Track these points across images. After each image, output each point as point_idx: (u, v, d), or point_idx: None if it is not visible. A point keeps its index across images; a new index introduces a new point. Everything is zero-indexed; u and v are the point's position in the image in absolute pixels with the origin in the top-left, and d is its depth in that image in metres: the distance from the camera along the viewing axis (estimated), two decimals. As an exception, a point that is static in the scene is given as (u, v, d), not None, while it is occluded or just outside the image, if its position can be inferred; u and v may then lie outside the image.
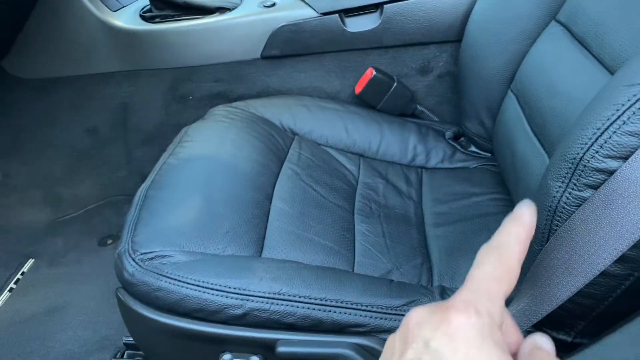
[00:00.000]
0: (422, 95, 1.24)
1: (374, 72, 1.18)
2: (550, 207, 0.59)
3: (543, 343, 0.39)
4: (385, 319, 0.72)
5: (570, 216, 0.57)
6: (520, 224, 0.39)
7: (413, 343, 0.32)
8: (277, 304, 0.71)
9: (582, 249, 0.56)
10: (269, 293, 0.72)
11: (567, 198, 0.57)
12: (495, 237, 0.38)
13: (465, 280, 0.35)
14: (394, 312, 0.72)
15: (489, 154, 1.13)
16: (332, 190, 0.98)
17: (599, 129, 0.53)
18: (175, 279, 0.73)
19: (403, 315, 0.72)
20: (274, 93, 1.27)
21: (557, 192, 0.58)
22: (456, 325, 0.31)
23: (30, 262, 1.29)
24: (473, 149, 1.14)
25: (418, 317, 0.33)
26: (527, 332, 0.68)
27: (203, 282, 0.73)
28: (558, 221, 0.59)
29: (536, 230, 0.64)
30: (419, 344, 0.31)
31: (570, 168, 0.56)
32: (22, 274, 1.27)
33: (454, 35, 1.16)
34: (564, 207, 0.57)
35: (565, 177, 0.57)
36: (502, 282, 0.35)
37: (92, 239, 1.34)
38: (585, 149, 0.54)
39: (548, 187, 0.59)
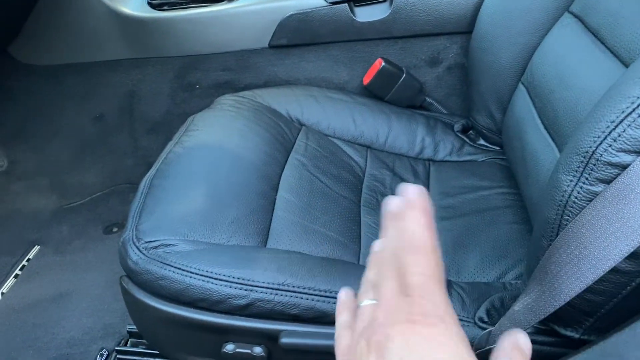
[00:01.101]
0: (430, 87, 1.22)
1: (383, 63, 1.16)
2: (560, 201, 0.58)
3: (524, 344, 0.39)
4: (390, 312, 0.71)
5: (580, 211, 0.56)
6: (416, 209, 0.37)
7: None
8: (282, 295, 0.71)
9: (592, 245, 0.55)
10: (273, 284, 0.71)
11: (578, 192, 0.56)
12: (402, 232, 0.37)
13: (406, 289, 0.35)
14: (399, 305, 0.71)
15: (498, 148, 1.12)
16: (339, 182, 0.98)
17: (612, 122, 0.52)
18: (179, 268, 0.73)
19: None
20: (282, 83, 1.26)
21: (568, 186, 0.57)
22: (429, 337, 0.32)
23: (36, 248, 1.30)
24: (481, 142, 1.13)
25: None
26: (534, 328, 0.67)
27: (207, 271, 0.72)
28: (568, 216, 0.57)
29: (545, 225, 0.63)
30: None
31: (582, 162, 0.55)
32: (28, 260, 1.27)
33: (464, 27, 1.14)
34: (574, 202, 0.56)
35: (576, 170, 0.56)
36: (438, 277, 0.35)
37: (97, 227, 1.34)
38: (598, 142, 0.53)
39: (559, 181, 0.58)
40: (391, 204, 0.39)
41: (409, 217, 0.37)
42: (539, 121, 0.87)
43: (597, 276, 0.55)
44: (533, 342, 0.68)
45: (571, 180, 0.56)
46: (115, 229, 1.33)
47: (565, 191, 0.57)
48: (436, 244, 0.36)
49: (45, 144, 1.40)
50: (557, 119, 0.80)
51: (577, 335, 0.66)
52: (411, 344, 0.32)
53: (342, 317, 0.42)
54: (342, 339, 0.39)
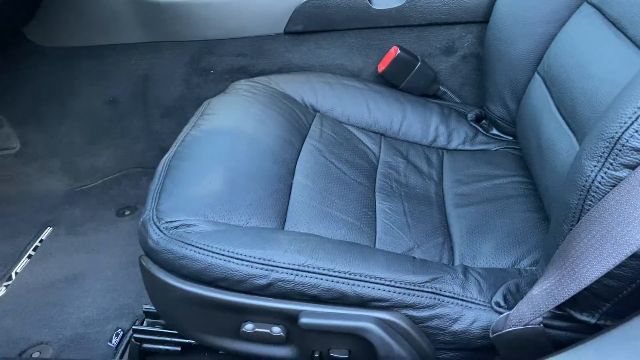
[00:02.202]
0: (445, 75, 1.23)
1: (399, 51, 1.17)
2: (583, 186, 0.59)
3: None
4: (409, 295, 0.72)
5: (604, 196, 0.57)
6: None
7: None
8: (302, 276, 0.72)
9: (614, 230, 0.56)
10: (293, 264, 0.72)
11: (602, 177, 0.57)
12: None
13: None
14: (417, 288, 0.72)
15: (511, 137, 1.12)
16: (354, 168, 0.98)
17: (639, 107, 0.53)
18: (200, 248, 0.74)
19: (426, 291, 0.72)
20: (296, 69, 1.27)
21: (592, 171, 0.57)
22: None
23: (49, 230, 1.31)
24: (495, 131, 1.14)
25: None
26: (550, 313, 0.68)
27: (228, 251, 0.73)
28: (591, 201, 0.58)
29: (567, 210, 0.64)
30: None
31: (607, 147, 0.56)
32: (41, 241, 1.28)
33: (480, 16, 1.14)
34: (598, 187, 0.57)
35: (601, 156, 0.56)
36: None
37: (109, 210, 1.35)
38: (624, 128, 0.54)
39: (582, 167, 0.59)
40: None
41: None
42: (556, 110, 0.88)
43: (619, 261, 0.56)
44: (549, 326, 0.69)
45: (595, 166, 0.57)
46: (127, 212, 1.34)
47: (589, 176, 0.58)
48: None
49: (58, 126, 1.41)
50: (575, 108, 0.81)
51: (593, 321, 0.67)
52: None
53: None
54: None
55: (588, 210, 0.59)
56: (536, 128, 0.93)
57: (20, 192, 1.39)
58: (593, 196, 0.58)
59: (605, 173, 0.56)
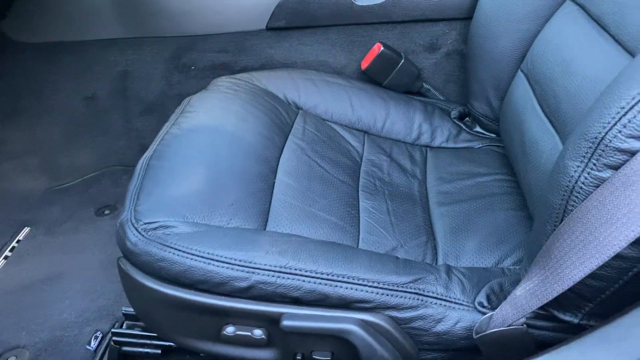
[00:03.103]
0: (428, 73, 1.22)
1: (382, 48, 1.16)
2: (567, 187, 0.58)
3: None
4: (392, 296, 0.71)
5: (587, 197, 0.57)
6: None
7: None
8: (283, 278, 0.71)
9: (597, 231, 0.55)
10: (275, 266, 0.71)
11: (586, 178, 0.56)
12: None
13: None
14: (400, 288, 0.72)
15: (494, 135, 1.12)
16: (337, 166, 0.97)
17: (622, 108, 0.52)
18: (179, 250, 0.72)
19: (409, 292, 0.72)
20: (279, 66, 1.25)
21: (576, 171, 0.57)
22: None
23: (26, 230, 1.28)
24: (478, 129, 1.13)
25: None
26: (534, 313, 0.68)
27: (208, 253, 0.72)
28: (574, 201, 0.58)
29: (550, 211, 0.63)
30: None
31: (590, 147, 0.55)
32: (18, 242, 1.25)
33: (464, 13, 1.14)
34: (581, 187, 0.57)
35: (584, 156, 0.56)
36: None
37: (89, 209, 1.32)
38: (607, 128, 0.53)
39: (566, 167, 0.58)
40: None
41: None
42: (539, 108, 0.88)
43: (602, 262, 0.55)
44: (532, 326, 0.69)
45: (578, 166, 0.57)
46: (107, 211, 1.32)
47: (572, 177, 0.57)
48: None
49: (36, 124, 1.38)
50: (558, 107, 0.81)
51: (576, 321, 0.67)
52: None
53: None
54: None
55: (571, 210, 0.59)
56: (519, 126, 0.93)
57: (-4, 191, 1.36)
58: (576, 197, 0.58)
59: (588, 174, 0.55)
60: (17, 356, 0.99)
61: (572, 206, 0.58)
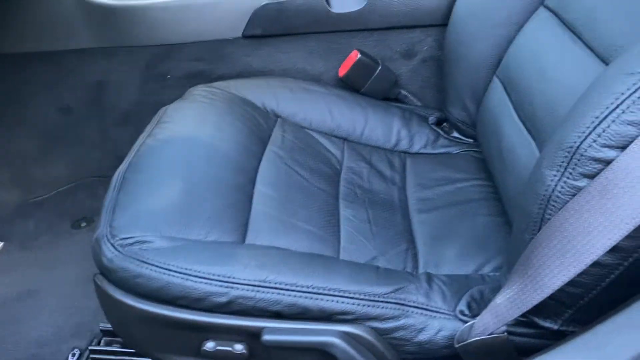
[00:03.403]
0: (406, 79, 1.22)
1: (359, 55, 1.16)
2: (544, 196, 0.58)
3: None
4: (373, 307, 0.71)
5: (564, 205, 0.57)
6: None
7: None
8: (263, 292, 0.70)
9: (575, 239, 0.56)
10: (254, 281, 0.70)
11: (562, 187, 0.56)
12: None
13: None
14: (381, 299, 0.71)
15: (472, 140, 1.12)
16: (317, 175, 0.97)
17: (597, 117, 0.53)
18: (157, 266, 0.71)
19: (390, 302, 0.71)
20: (256, 74, 1.24)
21: (552, 180, 0.57)
22: None
23: (0, 244, 1.25)
24: (456, 134, 1.14)
25: None
26: (515, 320, 0.68)
27: (186, 269, 0.71)
28: (552, 210, 0.58)
29: (528, 219, 0.64)
30: None
31: (566, 157, 0.55)
32: (-8, 257, 1.22)
33: (439, 19, 1.14)
34: (558, 196, 0.57)
35: (560, 165, 0.56)
36: None
37: (65, 222, 1.30)
38: (582, 138, 0.53)
39: (542, 176, 0.59)
40: None
41: None
42: (515, 115, 0.88)
43: (580, 269, 0.56)
44: (512, 334, 0.69)
45: (555, 175, 0.57)
46: (83, 224, 1.29)
47: (549, 186, 0.58)
48: None
49: (8, 135, 1.35)
50: (534, 113, 0.81)
51: (556, 327, 0.67)
52: None
53: None
54: None
55: (549, 219, 0.59)
56: (496, 132, 0.93)
57: (-32, 206, 1.32)
58: (553, 205, 0.58)
59: (565, 183, 0.56)
60: (-8, 376, 0.97)
61: (550, 215, 0.59)
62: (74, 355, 0.96)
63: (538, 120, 0.80)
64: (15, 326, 1.06)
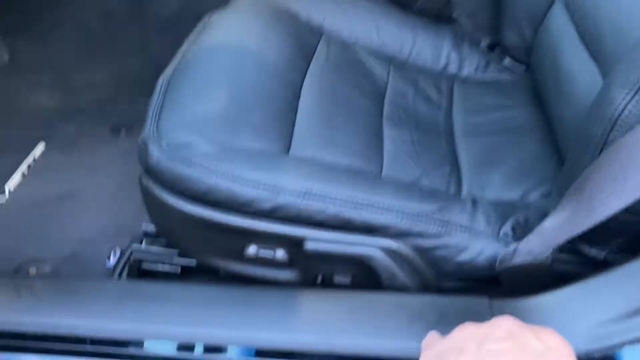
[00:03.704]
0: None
1: (413, -31, 1.10)
2: (611, 116, 0.56)
3: None
4: (416, 223, 0.70)
5: (632, 128, 0.54)
6: None
7: None
8: (308, 201, 0.70)
9: (639, 163, 0.54)
10: (300, 189, 0.70)
11: (633, 107, 0.54)
12: None
13: None
14: (425, 217, 0.71)
15: (524, 67, 1.08)
16: (361, 94, 0.95)
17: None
18: (204, 168, 0.71)
19: (434, 220, 0.71)
20: (303, -15, 1.19)
21: (623, 100, 0.55)
22: None
23: (42, 147, 1.27)
24: (508, 60, 1.09)
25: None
26: (560, 246, 0.67)
27: (233, 173, 0.71)
28: (617, 132, 0.56)
29: (588, 142, 0.61)
30: None
31: (642, 76, 0.52)
32: (34, 159, 1.24)
33: None
34: (627, 117, 0.55)
35: (635, 84, 0.53)
36: None
37: (104, 128, 1.30)
38: (663, 55, 0.50)
39: (612, 96, 0.56)
40: None
41: None
42: (579, 39, 0.84)
43: (639, 197, 0.54)
44: (556, 260, 0.69)
45: (627, 94, 0.54)
46: (123, 131, 1.30)
47: (618, 105, 0.55)
48: None
49: (49, 38, 1.34)
50: (601, 37, 0.77)
51: (601, 256, 0.67)
52: None
53: None
54: None
55: (612, 142, 0.57)
56: (555, 57, 0.89)
57: (10, 107, 1.33)
58: (620, 127, 0.56)
59: (637, 102, 0.53)
60: (38, 268, 1.01)
61: (614, 137, 0.56)
62: (115, 253, 1.00)
63: (605, 44, 0.75)
64: (56, 225, 1.09)
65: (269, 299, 0.67)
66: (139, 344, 0.66)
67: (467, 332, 0.41)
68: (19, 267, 1.01)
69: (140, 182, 0.78)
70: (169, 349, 0.65)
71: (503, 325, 0.39)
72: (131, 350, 0.66)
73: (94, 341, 0.65)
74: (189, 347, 0.65)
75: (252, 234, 0.72)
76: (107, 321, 0.67)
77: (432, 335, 0.46)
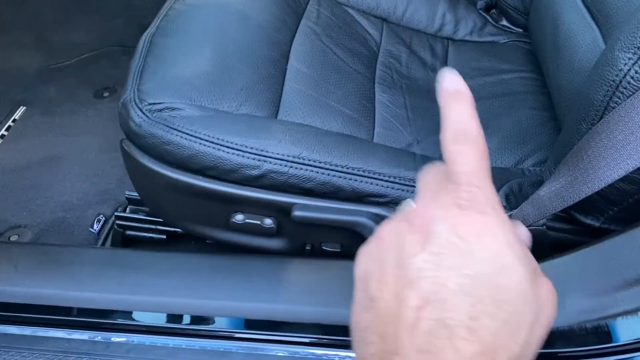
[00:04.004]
0: (456, -43, 1.11)
1: None
2: (613, 81, 0.53)
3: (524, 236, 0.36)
4: (408, 191, 0.68)
5: (634, 93, 0.52)
6: (461, 98, 0.34)
7: (432, 238, 0.29)
8: (296, 168, 0.67)
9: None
10: (288, 156, 0.67)
11: (636, 72, 0.51)
12: (449, 123, 0.33)
13: (453, 176, 0.31)
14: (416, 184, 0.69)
15: (522, 29, 1.05)
16: (353, 55, 0.91)
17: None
18: (187, 133, 0.68)
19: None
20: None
21: (626, 64, 0.52)
22: (479, 223, 0.29)
23: (22, 109, 1.22)
24: (505, 22, 1.06)
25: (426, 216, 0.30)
26: (555, 215, 0.65)
27: (218, 139, 0.68)
28: (619, 97, 0.53)
29: (587, 108, 0.59)
30: (440, 239, 0.28)
31: (648, 38, 0.50)
32: (14, 121, 1.20)
33: None
34: (629, 82, 0.52)
35: (639, 47, 0.51)
36: (486, 168, 0.32)
37: (87, 90, 1.26)
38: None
39: (614, 59, 0.53)
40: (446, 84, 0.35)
41: (454, 108, 0.34)
42: (580, 0, 0.80)
43: (639, 164, 0.52)
44: (551, 228, 0.67)
45: (630, 58, 0.52)
46: (106, 94, 1.26)
47: (620, 70, 0.52)
48: (482, 135, 0.33)
49: (27, -4, 1.28)
50: (603, -2, 0.73)
51: (597, 224, 0.65)
52: (459, 228, 0.29)
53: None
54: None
55: (613, 107, 0.54)
56: (554, 19, 0.85)
57: (-11, 68, 1.29)
58: (622, 92, 0.53)
59: (641, 67, 0.50)
60: (20, 235, 0.98)
61: (616, 103, 0.54)
62: (99, 221, 0.97)
63: (607, 6, 0.72)
64: (40, 190, 1.06)
65: (256, 268, 0.65)
66: (124, 314, 0.65)
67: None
68: (0, 235, 0.98)
69: (122, 147, 0.75)
70: (155, 319, 0.64)
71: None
72: (116, 321, 0.65)
73: (81, 311, 0.63)
74: (176, 318, 0.63)
75: (238, 202, 0.70)
76: (90, 291, 0.64)
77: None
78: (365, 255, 0.33)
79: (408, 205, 0.34)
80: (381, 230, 0.33)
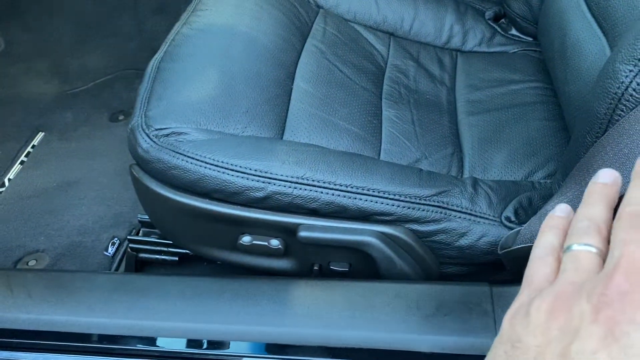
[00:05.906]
0: (462, -32, 1.11)
1: (411, -61, 1.05)
2: (615, 93, 0.52)
3: None
4: (414, 209, 0.68)
5: (637, 105, 0.51)
6: None
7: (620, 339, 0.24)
8: (300, 189, 0.67)
9: (646, 143, 0.50)
10: (292, 177, 0.68)
11: (638, 84, 0.50)
12: None
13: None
14: (423, 202, 0.68)
15: (531, 39, 1.03)
16: (359, 72, 0.91)
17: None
18: (193, 158, 0.69)
19: (432, 205, 0.68)
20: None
21: (627, 76, 0.51)
22: None
23: (41, 135, 1.25)
24: (514, 32, 1.05)
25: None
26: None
27: (223, 162, 0.68)
28: (622, 110, 0.52)
29: (592, 121, 0.58)
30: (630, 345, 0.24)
31: (648, 49, 0.49)
32: (33, 147, 1.23)
33: None
34: (631, 95, 0.51)
35: (639, 60, 0.49)
36: None
37: (102, 114, 1.29)
38: (672, 27, 0.46)
39: (615, 71, 0.52)
40: None
41: None
42: (586, 8, 0.79)
43: (646, 177, 0.51)
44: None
45: (631, 71, 0.51)
46: (121, 117, 1.28)
47: (622, 82, 0.51)
48: None
49: (44, 24, 1.32)
50: (608, 6, 0.72)
51: (608, 238, 0.63)
52: None
53: (549, 236, 0.34)
54: (542, 264, 0.31)
55: (617, 120, 0.53)
56: (561, 28, 0.84)
57: (8, 95, 1.32)
58: (625, 105, 0.52)
59: (643, 79, 0.49)
60: (37, 260, 1.00)
61: (619, 115, 0.53)
62: (113, 244, 0.99)
63: (612, 13, 0.71)
64: (57, 215, 1.08)
65: (262, 292, 0.65)
66: (134, 339, 0.65)
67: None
68: (18, 260, 1.00)
69: (131, 172, 0.76)
70: (163, 344, 0.64)
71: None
72: (126, 346, 0.65)
73: (92, 337, 0.64)
74: (187, 342, 0.63)
75: (244, 224, 0.70)
76: (100, 317, 0.65)
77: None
78: (520, 317, 0.28)
79: (585, 252, 0.29)
80: (536, 269, 0.30)
